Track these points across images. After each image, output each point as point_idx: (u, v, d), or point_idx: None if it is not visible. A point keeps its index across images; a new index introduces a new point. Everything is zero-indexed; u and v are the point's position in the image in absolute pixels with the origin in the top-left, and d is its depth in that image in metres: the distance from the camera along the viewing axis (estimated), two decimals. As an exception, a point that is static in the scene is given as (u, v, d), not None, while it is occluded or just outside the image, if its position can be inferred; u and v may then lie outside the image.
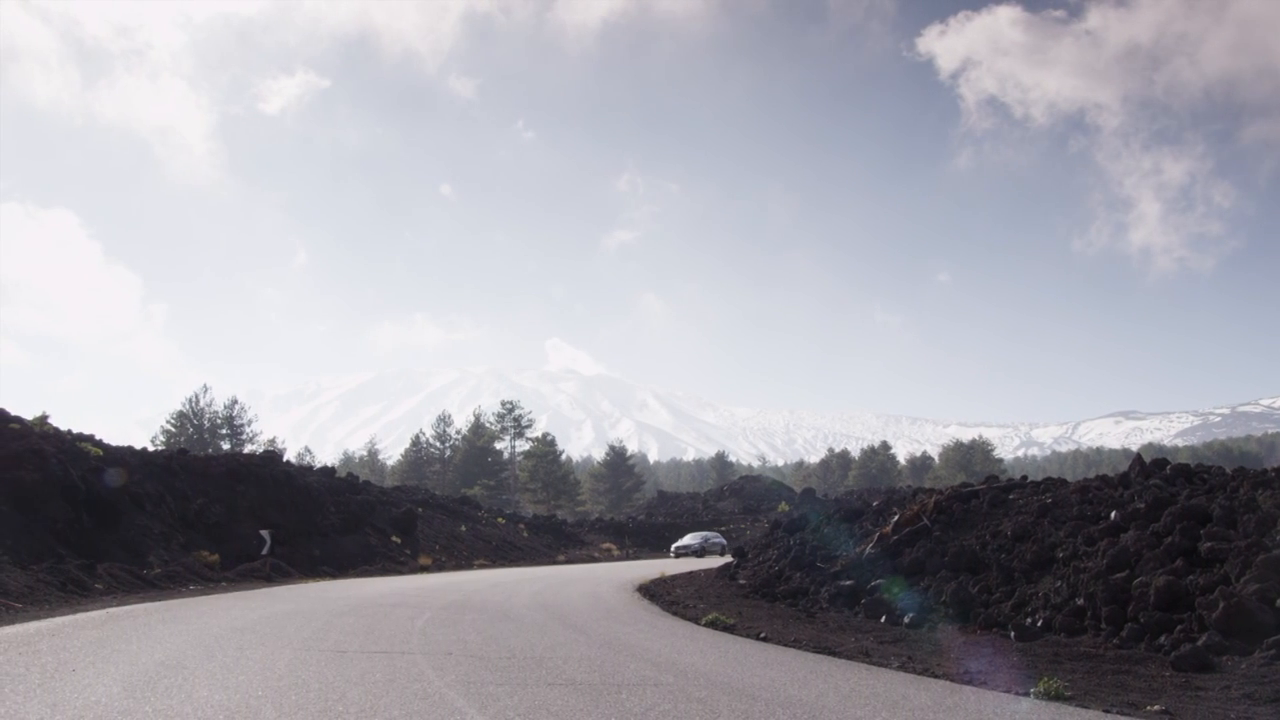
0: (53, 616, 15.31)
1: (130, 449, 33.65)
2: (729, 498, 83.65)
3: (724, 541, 54.21)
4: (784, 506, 71.67)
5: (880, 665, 11.11)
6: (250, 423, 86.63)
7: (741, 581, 24.81)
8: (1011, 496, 20.76)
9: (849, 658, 11.84)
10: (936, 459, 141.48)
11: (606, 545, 61.63)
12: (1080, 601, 13.24)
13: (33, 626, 13.58)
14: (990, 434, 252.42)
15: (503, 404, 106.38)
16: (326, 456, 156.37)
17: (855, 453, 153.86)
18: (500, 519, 61.53)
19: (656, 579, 27.41)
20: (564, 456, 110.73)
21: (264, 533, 29.77)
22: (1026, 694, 9.19)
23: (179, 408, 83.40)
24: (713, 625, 15.94)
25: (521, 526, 61.40)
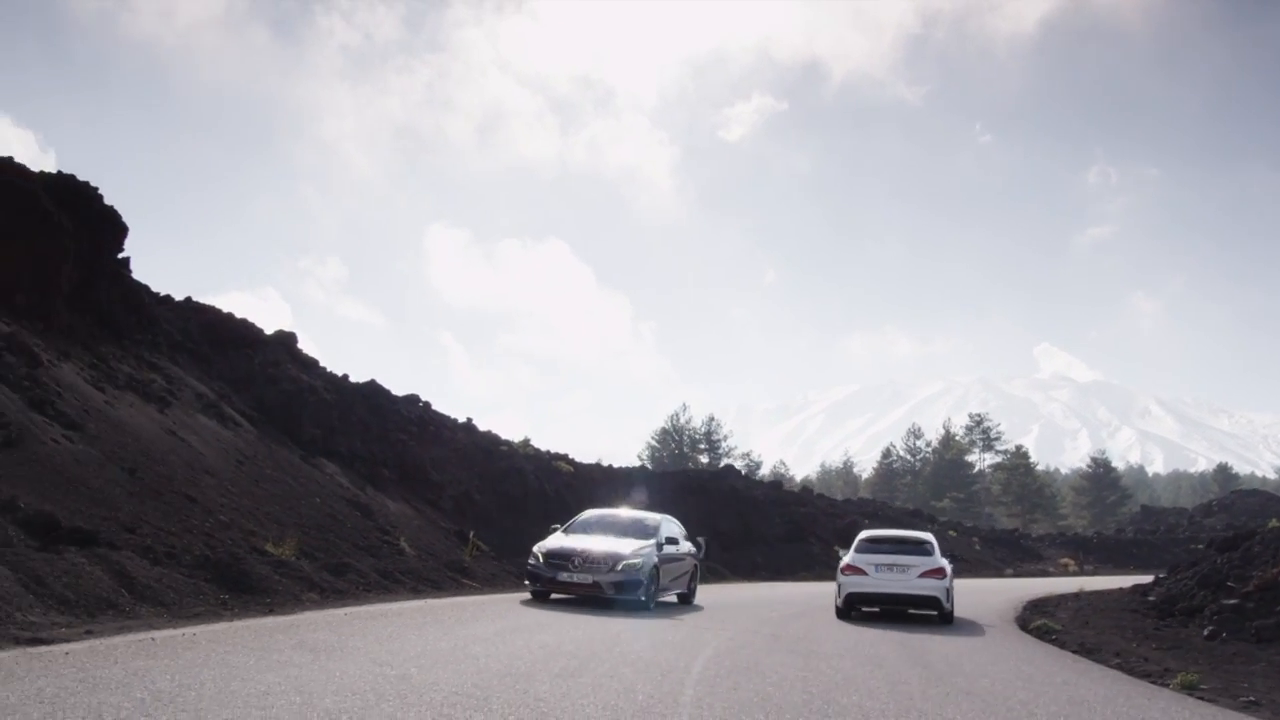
0: (504, 594, 20.10)
1: (597, 465, 39.89)
2: (1217, 514, 76.60)
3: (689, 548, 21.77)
4: (1274, 523, 64.57)
5: (1127, 674, 12.27)
6: (726, 437, 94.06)
7: (1151, 598, 24.51)
8: None
9: (1113, 667, 12.93)
10: None
11: (1064, 560, 59.93)
12: None
13: (484, 598, 18.25)
14: None
15: (970, 417, 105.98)
16: (812, 468, 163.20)
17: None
18: (952, 531, 62.01)
19: (1064, 594, 27.33)
20: (1041, 468, 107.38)
21: (699, 539, 34.00)
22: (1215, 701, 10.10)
23: (662, 425, 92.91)
24: (1036, 631, 16.94)
25: (975, 540, 61.49)
